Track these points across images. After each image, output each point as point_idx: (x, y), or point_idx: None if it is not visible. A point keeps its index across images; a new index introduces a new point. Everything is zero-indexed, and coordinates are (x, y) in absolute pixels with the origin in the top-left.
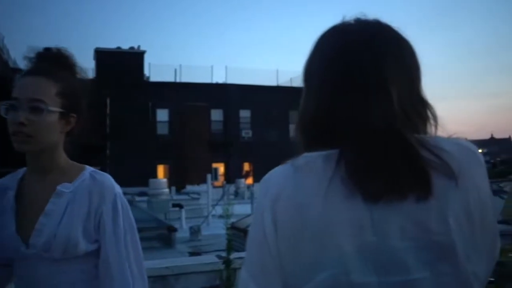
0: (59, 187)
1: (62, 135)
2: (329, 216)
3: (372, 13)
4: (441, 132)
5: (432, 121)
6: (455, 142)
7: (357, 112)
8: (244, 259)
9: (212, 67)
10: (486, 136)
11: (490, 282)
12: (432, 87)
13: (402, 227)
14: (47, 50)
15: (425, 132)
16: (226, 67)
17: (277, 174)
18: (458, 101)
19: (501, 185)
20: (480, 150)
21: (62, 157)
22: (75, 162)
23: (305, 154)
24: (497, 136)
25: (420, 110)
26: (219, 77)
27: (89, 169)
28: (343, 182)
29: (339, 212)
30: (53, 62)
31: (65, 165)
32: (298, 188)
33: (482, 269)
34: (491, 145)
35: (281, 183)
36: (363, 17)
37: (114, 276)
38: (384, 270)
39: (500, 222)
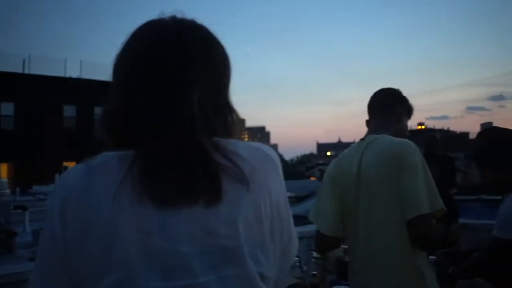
0: None
1: None
2: (117, 220)
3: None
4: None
5: (234, 127)
6: (251, 146)
7: (155, 113)
8: (35, 260)
9: (65, 60)
10: (335, 140)
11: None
12: (289, 93)
13: (191, 232)
14: None
15: (226, 137)
16: (81, 61)
17: (70, 173)
18: (310, 107)
19: None
20: (329, 153)
21: None
22: None
23: (104, 153)
24: (344, 140)
25: (223, 115)
26: (73, 71)
27: None
28: (134, 186)
29: (127, 216)
30: None
31: None
32: (88, 189)
33: (272, 270)
34: (339, 148)
35: (72, 184)
36: (179, 16)
37: None
38: (170, 275)
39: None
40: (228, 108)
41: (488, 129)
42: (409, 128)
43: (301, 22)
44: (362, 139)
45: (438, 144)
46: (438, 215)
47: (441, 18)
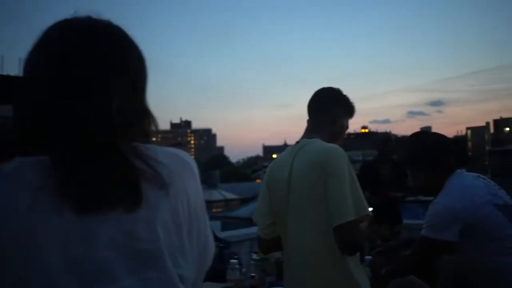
0: None
1: None
2: (35, 229)
3: None
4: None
5: (152, 131)
6: (169, 152)
7: (72, 118)
8: None
9: (3, 57)
10: (280, 142)
11: None
12: (236, 95)
13: (112, 237)
14: None
15: (144, 142)
16: (19, 59)
17: None
18: (257, 109)
19: None
20: (274, 155)
21: None
22: None
23: (18, 158)
24: (290, 142)
25: (141, 119)
26: (11, 70)
27: None
28: (53, 193)
29: (46, 224)
30: None
31: None
32: (2, 198)
33: (191, 272)
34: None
35: None
36: (95, 16)
37: None
38: (91, 281)
39: None
40: (145, 112)
41: (419, 133)
42: (353, 131)
43: (247, 24)
44: (296, 143)
45: (393, 146)
46: (366, 219)
47: (384, 23)
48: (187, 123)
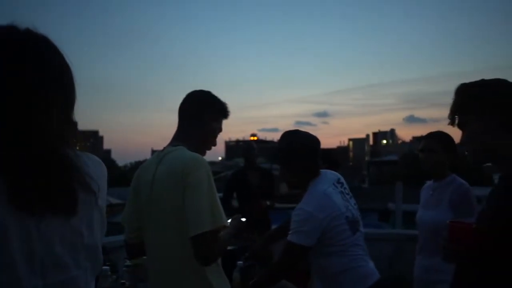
0: None
1: None
2: (5, 227)
3: None
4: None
5: (78, 140)
6: (94, 159)
7: (15, 131)
8: None
9: None
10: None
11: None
12: (126, 98)
13: (62, 235)
14: None
15: (73, 149)
16: None
17: None
18: (146, 113)
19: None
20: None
21: None
22: None
23: None
24: None
25: (73, 128)
26: None
27: None
28: (9, 201)
29: (13, 223)
30: None
31: None
32: None
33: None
34: None
35: None
36: (33, 29)
37: None
38: (49, 272)
39: None
40: (74, 123)
41: (290, 131)
42: (242, 139)
43: (144, 26)
44: (163, 149)
45: (255, 153)
46: (223, 229)
47: (277, 35)
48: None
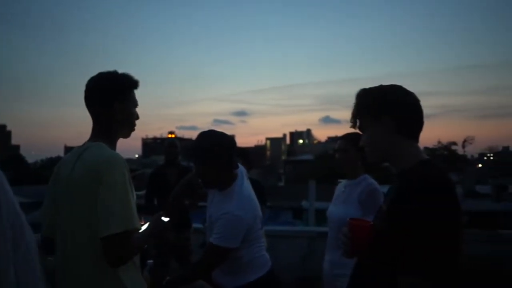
0: None
1: None
2: None
3: None
4: None
5: None
6: None
7: None
8: None
9: None
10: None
11: None
12: (36, 91)
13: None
14: None
15: None
16: None
17: None
18: (60, 107)
19: None
20: None
21: None
22: None
23: None
24: None
25: None
26: None
27: None
28: None
29: None
30: None
31: None
32: None
33: None
34: None
35: None
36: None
37: None
38: None
39: None
40: None
41: (203, 132)
42: (160, 136)
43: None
44: (83, 144)
45: (177, 151)
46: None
47: (197, 32)
48: None
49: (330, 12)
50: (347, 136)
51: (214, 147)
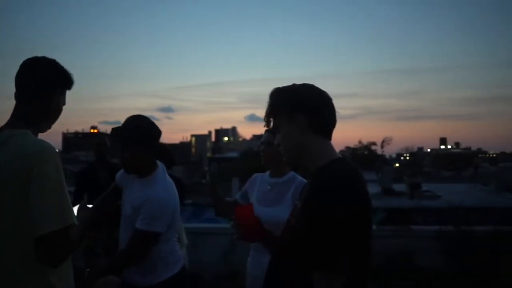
0: None
1: None
2: None
3: None
4: None
5: None
6: None
7: None
8: None
9: None
10: None
11: None
12: None
13: None
14: None
15: None
16: None
17: None
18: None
19: None
20: None
21: None
22: None
23: None
24: None
25: None
26: None
27: None
28: None
29: None
30: None
31: None
32: None
33: None
34: None
35: None
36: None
37: None
38: None
39: None
40: None
41: (134, 115)
42: (81, 131)
43: None
44: (1, 130)
45: (107, 148)
46: (73, 228)
47: (118, 26)
48: None
49: (255, 11)
50: (273, 129)
51: (142, 130)
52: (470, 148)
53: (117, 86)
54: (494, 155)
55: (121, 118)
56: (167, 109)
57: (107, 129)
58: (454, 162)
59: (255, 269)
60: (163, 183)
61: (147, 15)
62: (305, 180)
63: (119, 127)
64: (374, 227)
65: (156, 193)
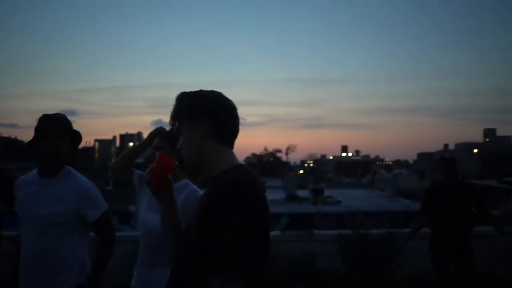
0: None
1: None
2: None
3: None
4: None
5: None
6: None
7: None
8: None
9: None
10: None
11: None
12: None
13: None
14: None
15: None
16: None
17: None
18: None
19: None
20: None
21: None
22: None
23: None
24: None
25: None
26: None
27: None
28: None
29: None
30: None
31: None
32: None
33: None
34: None
35: None
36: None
37: None
38: None
39: None
40: None
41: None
42: None
43: None
44: None
45: None
46: None
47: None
48: None
49: (162, 12)
50: (164, 134)
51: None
52: (369, 156)
53: (15, 85)
54: (390, 163)
55: (20, 121)
56: (71, 113)
57: (2, 131)
58: (355, 168)
59: (141, 285)
60: (80, 176)
61: (49, 13)
62: (196, 189)
63: None
64: (278, 232)
65: (86, 182)
